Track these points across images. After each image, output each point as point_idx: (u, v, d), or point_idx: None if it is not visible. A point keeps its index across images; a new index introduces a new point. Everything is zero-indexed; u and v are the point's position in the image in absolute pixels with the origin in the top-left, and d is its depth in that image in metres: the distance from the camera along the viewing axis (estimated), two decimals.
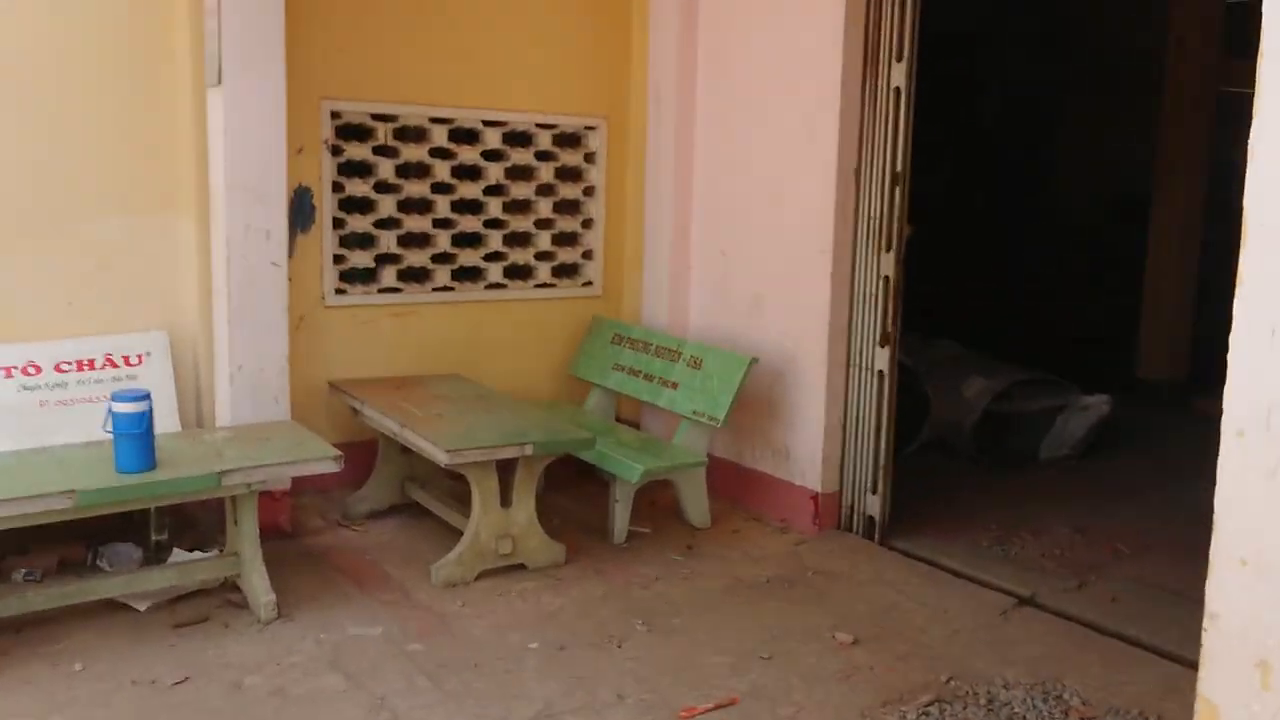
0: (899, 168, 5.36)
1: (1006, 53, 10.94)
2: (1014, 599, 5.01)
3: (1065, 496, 6.58)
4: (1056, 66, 11.09)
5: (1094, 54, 10.89)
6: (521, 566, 5.19)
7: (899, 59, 5.31)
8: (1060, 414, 7.31)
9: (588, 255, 6.79)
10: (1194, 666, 4.36)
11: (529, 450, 4.98)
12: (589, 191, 6.73)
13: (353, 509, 5.76)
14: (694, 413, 5.78)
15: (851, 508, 5.75)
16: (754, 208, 6.02)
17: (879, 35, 5.37)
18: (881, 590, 5.12)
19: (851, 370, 5.65)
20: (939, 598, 5.03)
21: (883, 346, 5.51)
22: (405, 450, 5.54)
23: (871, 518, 5.66)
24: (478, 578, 5.05)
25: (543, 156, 6.55)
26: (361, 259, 6.09)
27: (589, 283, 6.81)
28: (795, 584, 5.20)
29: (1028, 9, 10.53)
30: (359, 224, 6.06)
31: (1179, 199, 8.84)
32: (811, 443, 5.76)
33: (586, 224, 6.76)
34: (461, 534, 5.11)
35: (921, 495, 6.13)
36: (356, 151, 5.99)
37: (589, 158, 6.71)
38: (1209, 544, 5.78)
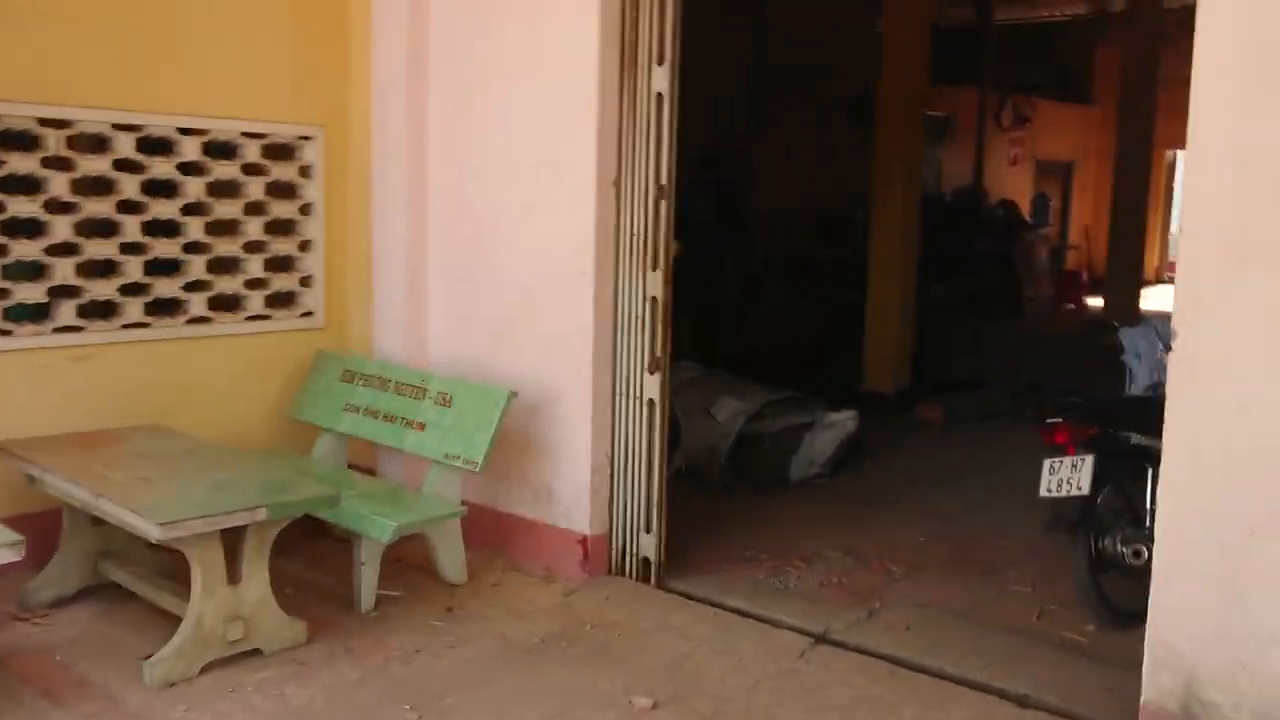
0: (663, 179, 4.97)
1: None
2: (808, 637, 4.69)
3: (825, 518, 6.40)
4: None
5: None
6: (256, 652, 4.38)
7: (660, 61, 4.92)
8: (808, 432, 7.18)
9: (306, 282, 5.99)
10: (1006, 698, 4.28)
11: (262, 515, 4.19)
12: (306, 209, 5.94)
13: (33, 596, 4.73)
14: (446, 456, 5.13)
15: (623, 550, 5.29)
16: (503, 223, 5.46)
17: (637, 36, 4.95)
18: (669, 640, 4.67)
19: (618, 400, 5.20)
20: (730, 643, 4.65)
21: (652, 373, 5.08)
22: (98, 520, 4.59)
23: (646, 559, 5.22)
24: (202, 671, 4.20)
25: (251, 170, 5.71)
26: (31, 293, 5.06)
27: (309, 313, 6.01)
28: (574, 642, 4.67)
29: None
30: (26, 250, 5.02)
31: (894, 215, 9.01)
32: (577, 481, 5.25)
33: (304, 246, 5.97)
34: (178, 619, 4.24)
35: (685, 529, 5.75)
36: (20, 163, 4.96)
37: (304, 171, 5.92)
38: (971, 558, 5.53)
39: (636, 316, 5.09)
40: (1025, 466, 7.73)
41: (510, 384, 5.21)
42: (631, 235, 5.06)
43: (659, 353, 5.06)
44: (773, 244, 13.99)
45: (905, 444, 8.19)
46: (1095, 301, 17.55)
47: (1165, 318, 5.85)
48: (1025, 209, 18.01)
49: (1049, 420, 4.87)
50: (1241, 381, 3.41)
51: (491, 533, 5.48)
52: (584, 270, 5.10)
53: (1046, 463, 4.85)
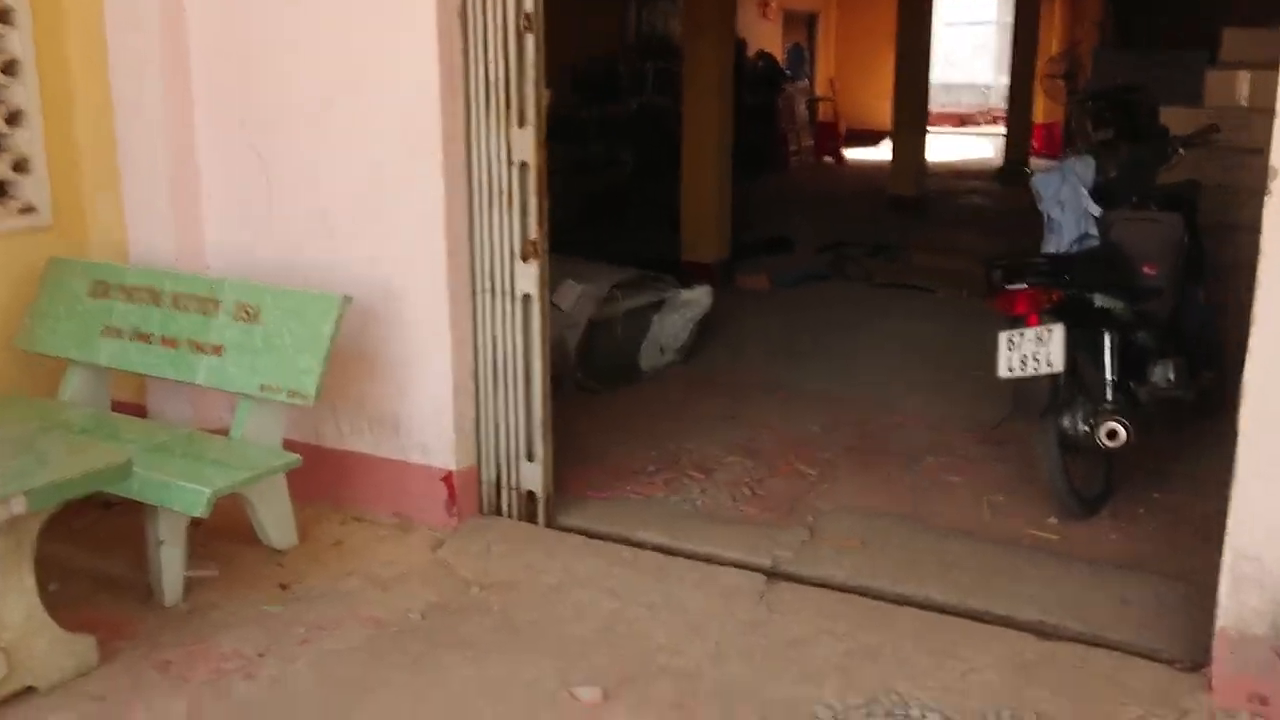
0: (529, 5, 3.78)
1: None
2: (758, 574, 3.82)
3: (700, 412, 5.53)
4: None
5: None
6: (30, 691, 3.11)
7: None
8: (656, 314, 6.25)
9: (21, 167, 4.43)
10: (1016, 626, 3.57)
11: (19, 506, 2.89)
12: (9, 69, 4.35)
13: None
14: (262, 388, 3.86)
15: (498, 484, 4.22)
16: (306, 76, 4.11)
17: None
18: (588, 598, 3.70)
19: (482, 298, 4.07)
20: (666, 593, 3.72)
21: (526, 260, 3.97)
22: None
23: (530, 493, 4.18)
24: None
25: None
26: None
27: (30, 208, 4.46)
28: (465, 614, 3.62)
29: None
30: None
31: (709, 69, 8.04)
32: (434, 403, 4.11)
33: (13, 120, 4.39)
34: None
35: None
36: None
37: (3, 16, 4.32)
38: (881, 448, 4.61)
39: (501, 189, 3.93)
40: (878, 331, 7.27)
41: (335, 287, 3.97)
42: (488, 83, 3.87)
43: (534, 234, 3.94)
44: None
45: (742, 318, 7.39)
46: (854, 154, 17.35)
47: (1083, 159, 5.26)
48: (781, 60, 17.44)
49: (1008, 285, 4.11)
50: None
51: (318, 477, 4.23)
52: (426, 130, 3.88)
53: (1004, 337, 4.11)
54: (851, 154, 17.33)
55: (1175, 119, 6.03)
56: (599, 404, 5.67)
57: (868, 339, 6.92)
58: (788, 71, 17.19)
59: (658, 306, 6.24)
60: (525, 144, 3.87)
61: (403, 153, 3.95)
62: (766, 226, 10.59)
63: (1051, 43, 17.15)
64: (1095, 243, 4.73)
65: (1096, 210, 4.75)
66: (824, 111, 18.89)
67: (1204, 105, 5.98)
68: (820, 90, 19.52)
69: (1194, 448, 4.76)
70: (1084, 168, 4.88)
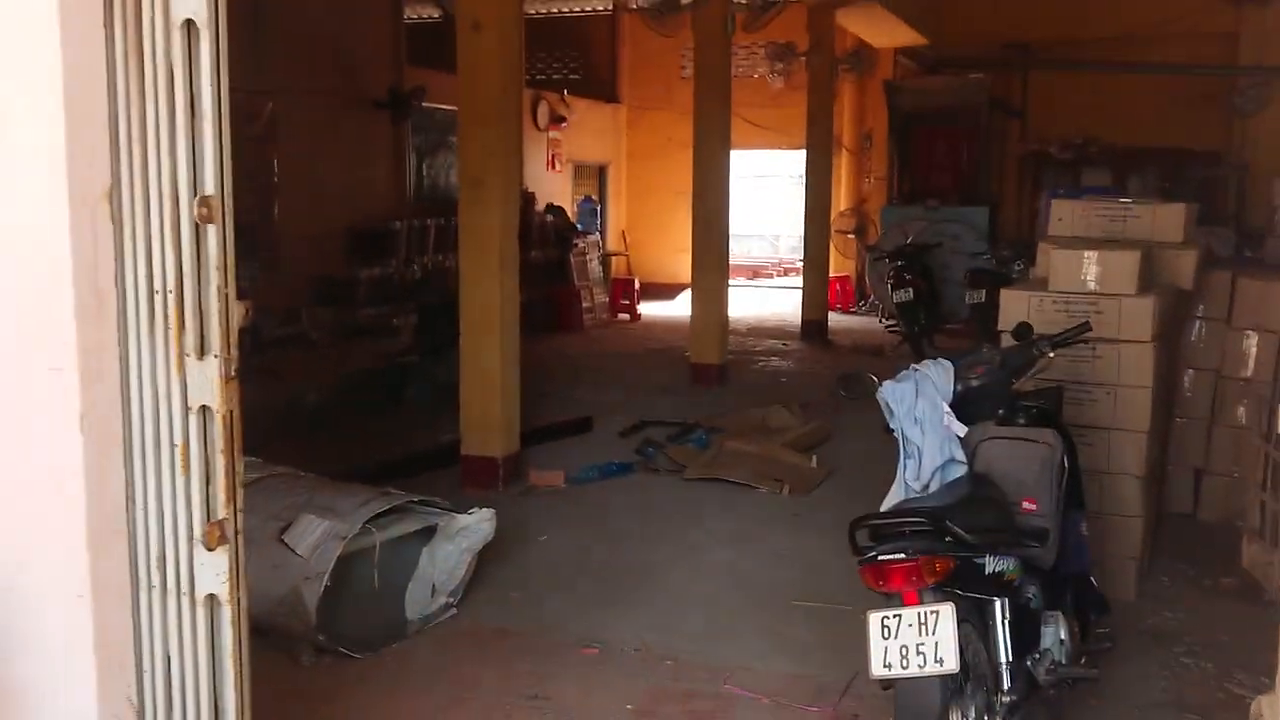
0: (209, 185, 2.63)
1: None
2: None
3: (487, 693, 4.30)
4: None
5: None
6: None
7: None
8: (426, 546, 5.03)
9: None
10: None
11: None
12: None
13: None
14: None
15: None
16: None
17: None
18: None
19: (148, 599, 2.78)
20: None
21: (213, 547, 2.73)
22: None
23: None
24: None
25: None
26: None
27: None
28: None
29: None
30: None
31: (489, 226, 7.01)
32: None
33: None
34: None
35: None
36: None
37: None
38: None
39: (173, 445, 2.71)
40: (697, 546, 6.20)
41: None
42: (151, 294, 2.67)
43: (222, 511, 2.71)
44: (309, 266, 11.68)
45: (535, 532, 6.24)
46: (651, 309, 16.67)
47: (939, 365, 4.42)
48: (571, 214, 16.75)
49: (880, 555, 3.11)
50: None
51: None
52: (60, 364, 2.64)
53: (874, 621, 3.10)
54: (648, 309, 16.66)
55: (1015, 305, 5.33)
56: (346, 684, 4.37)
57: (687, 559, 5.86)
58: (579, 225, 16.50)
59: (427, 535, 5.03)
60: (207, 381, 2.67)
61: (20, 393, 2.68)
62: (559, 400, 9.57)
63: (840, 197, 17.10)
64: (961, 470, 3.83)
65: (961, 430, 3.87)
66: (617, 267, 18.28)
67: (1047, 288, 5.31)
68: (613, 245, 18.94)
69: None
70: (940, 375, 4.00)
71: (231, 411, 2.69)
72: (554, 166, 17.23)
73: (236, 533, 2.75)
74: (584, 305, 15.27)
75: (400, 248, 12.58)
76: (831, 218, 15.70)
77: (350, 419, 8.83)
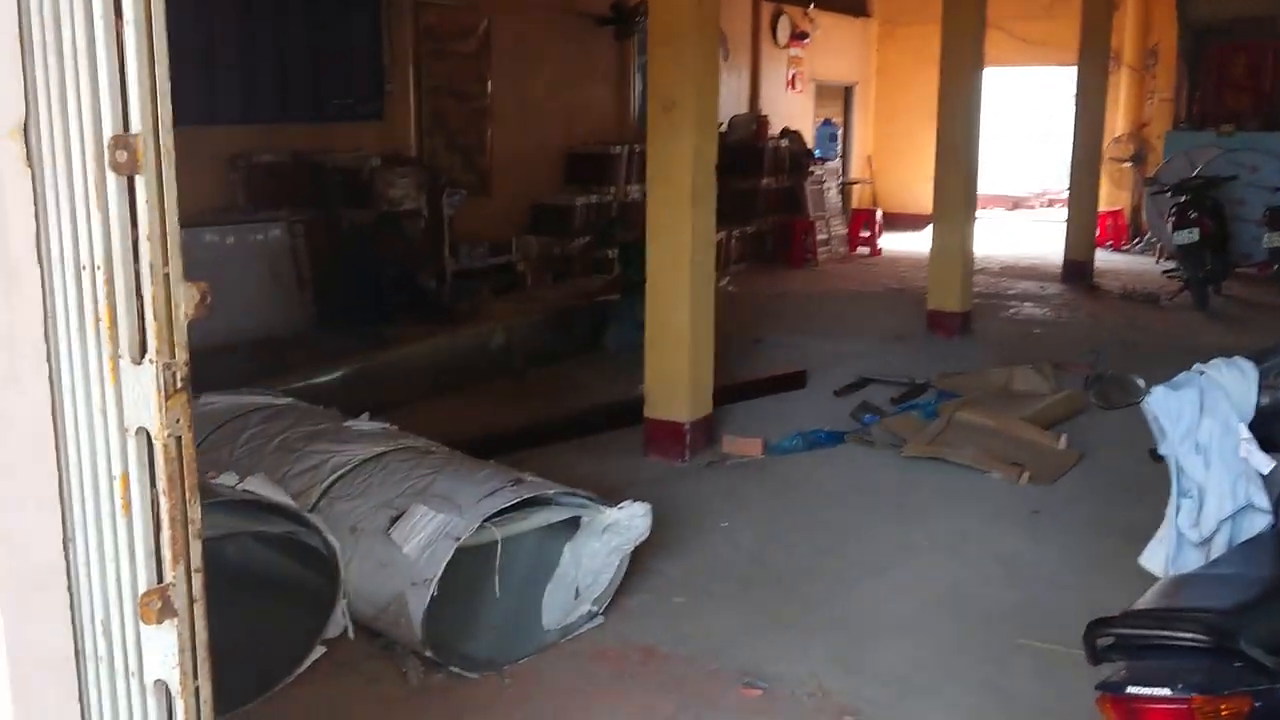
0: (136, 118, 1.83)
1: None
2: None
3: None
4: None
5: None
6: None
7: None
8: (570, 543, 4.26)
9: None
10: None
11: None
12: None
13: None
14: None
15: None
16: None
17: None
18: None
19: (93, 674, 2.09)
20: None
21: (156, 620, 1.99)
22: None
23: None
24: None
25: None
26: None
27: None
28: None
29: None
30: None
31: (682, 155, 6.08)
32: None
33: None
34: None
35: None
36: None
37: None
38: None
39: (110, 473, 1.97)
40: (904, 549, 4.95)
41: None
42: (79, 269, 1.93)
43: (169, 572, 1.96)
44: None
45: (714, 515, 5.38)
46: (893, 242, 15.35)
47: (1236, 367, 3.20)
48: (809, 139, 15.55)
49: (1131, 687, 2.07)
50: None
51: None
52: None
53: None
54: (891, 242, 15.32)
55: None
56: (451, 711, 3.67)
57: (890, 566, 4.86)
58: (816, 151, 15.28)
59: (570, 531, 4.25)
60: (144, 395, 1.91)
61: None
62: (772, 350, 8.63)
63: (1116, 121, 15.14)
64: (1264, 522, 2.70)
65: (1266, 465, 2.73)
66: (860, 196, 16.97)
67: None
68: (858, 172, 17.60)
69: None
70: (1237, 381, 2.85)
71: (179, 438, 1.93)
72: (794, 87, 16.02)
73: (193, 601, 2.00)
74: (818, 238, 14.14)
75: (620, 174, 11.85)
76: (1105, 144, 13.89)
77: (550, 361, 8.20)
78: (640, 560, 4.51)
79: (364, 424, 4.63)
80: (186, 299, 1.91)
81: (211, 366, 4.22)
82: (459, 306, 8.31)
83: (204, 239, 7.90)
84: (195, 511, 1.97)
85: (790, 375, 7.76)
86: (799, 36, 15.85)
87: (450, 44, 10.65)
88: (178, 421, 1.92)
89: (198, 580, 2.00)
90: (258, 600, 3.87)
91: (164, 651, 1.99)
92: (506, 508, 3.90)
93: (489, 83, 11.07)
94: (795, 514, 5.49)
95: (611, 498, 4.72)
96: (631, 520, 4.17)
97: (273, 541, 3.88)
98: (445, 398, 7.15)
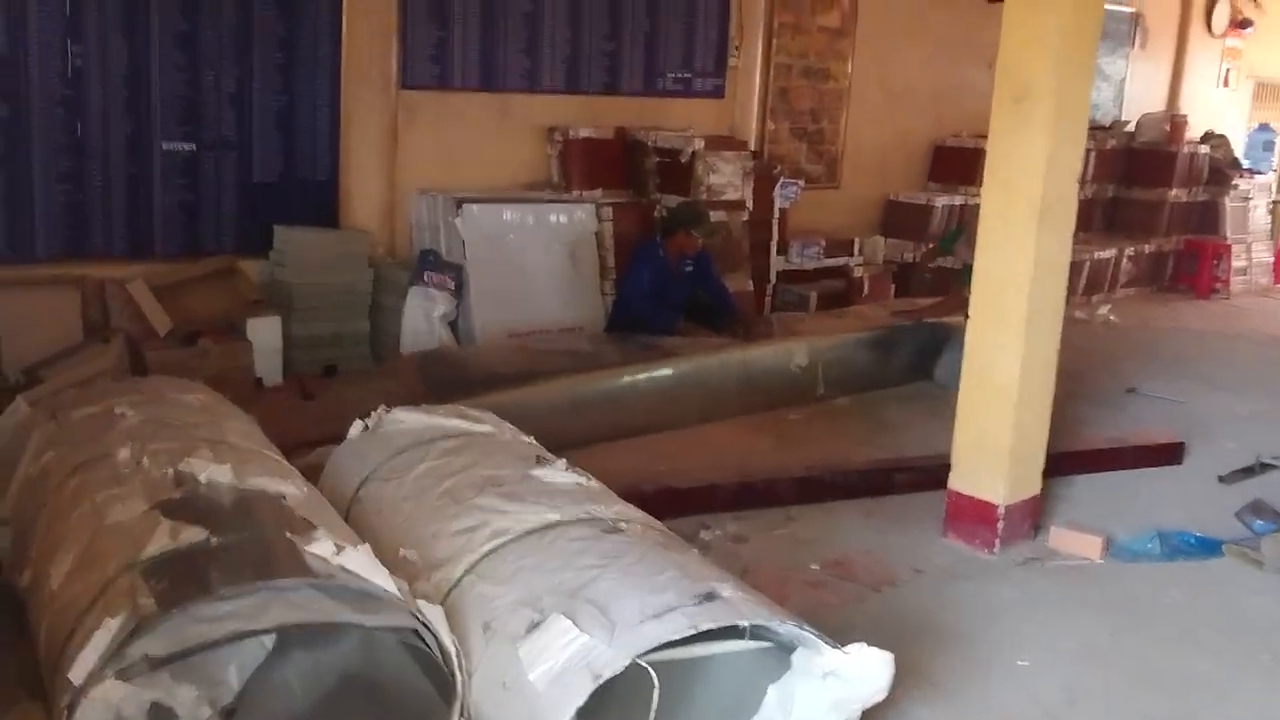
0: None
1: None
2: None
3: None
4: None
5: None
6: None
7: None
8: (774, 685, 3.12)
9: None
10: None
11: None
12: None
13: None
14: None
15: None
16: None
17: None
18: None
19: None
20: None
21: None
22: None
23: None
24: None
25: None
26: None
27: None
28: None
29: None
30: None
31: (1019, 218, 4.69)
32: None
33: None
34: None
35: None
36: None
37: None
38: None
39: None
40: None
41: None
42: None
43: None
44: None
45: (1007, 641, 4.04)
46: None
47: None
48: (1238, 146, 13.12)
49: None
50: None
51: None
52: None
53: None
54: None
55: None
56: None
57: None
58: (1245, 162, 12.84)
59: (775, 667, 3.10)
60: None
61: None
62: (1141, 405, 6.96)
63: None
64: None
65: None
66: None
67: None
68: None
69: None
70: None
71: None
72: (1225, 83, 13.60)
73: None
74: (1233, 264, 11.82)
75: None
76: None
77: (863, 389, 6.99)
78: (888, 699, 3.29)
79: (555, 474, 3.70)
80: None
81: None
82: (752, 318, 7.38)
83: (503, 216, 7.34)
84: None
85: (1162, 446, 6.09)
86: (1241, 24, 13.40)
87: (811, 16, 9.58)
88: None
89: None
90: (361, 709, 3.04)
91: None
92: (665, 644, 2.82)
93: (849, 61, 9.90)
94: (1130, 657, 4.02)
95: (884, 587, 3.51)
96: (863, 671, 2.98)
97: (377, 636, 3.03)
98: (723, 423, 6.16)
